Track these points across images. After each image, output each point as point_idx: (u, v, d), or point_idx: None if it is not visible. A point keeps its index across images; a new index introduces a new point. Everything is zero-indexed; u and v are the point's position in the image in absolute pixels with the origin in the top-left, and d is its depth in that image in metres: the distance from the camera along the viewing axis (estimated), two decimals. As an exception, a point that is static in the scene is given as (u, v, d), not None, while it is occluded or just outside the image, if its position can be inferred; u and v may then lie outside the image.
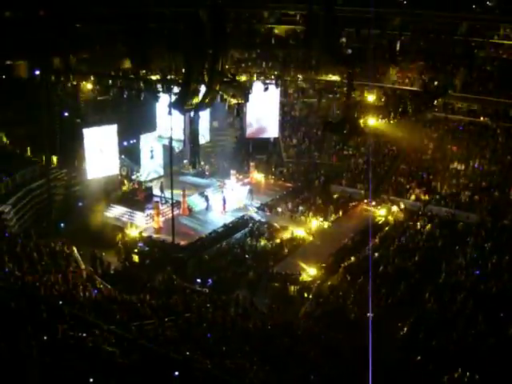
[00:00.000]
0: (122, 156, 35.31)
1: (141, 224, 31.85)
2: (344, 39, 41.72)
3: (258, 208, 34.70)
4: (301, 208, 34.24)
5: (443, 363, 18.50)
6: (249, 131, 38.22)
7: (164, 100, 29.42)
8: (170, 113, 27.68)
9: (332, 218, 33.35)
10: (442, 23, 40.07)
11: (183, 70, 27.52)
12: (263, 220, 32.90)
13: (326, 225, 32.68)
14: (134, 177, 36.55)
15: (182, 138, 34.28)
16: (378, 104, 36.57)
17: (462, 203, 34.42)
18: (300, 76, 38.25)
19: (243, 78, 33.54)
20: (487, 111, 39.19)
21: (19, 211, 29.73)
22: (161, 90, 28.81)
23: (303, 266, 27.16)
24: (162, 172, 37.72)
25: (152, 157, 37.19)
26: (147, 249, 28.86)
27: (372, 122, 34.36)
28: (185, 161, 39.40)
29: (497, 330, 20.60)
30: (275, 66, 40.98)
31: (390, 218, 33.53)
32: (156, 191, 35.32)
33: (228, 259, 28.07)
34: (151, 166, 37.54)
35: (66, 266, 24.14)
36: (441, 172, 37.25)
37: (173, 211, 29.87)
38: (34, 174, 32.25)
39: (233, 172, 38.15)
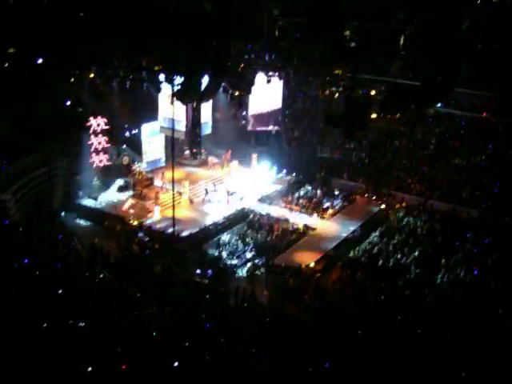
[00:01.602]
0: (124, 146, 35.29)
1: (141, 214, 31.84)
2: (348, 32, 41.53)
3: (259, 200, 34.68)
4: (301, 201, 34.26)
5: (441, 360, 18.54)
6: (251, 123, 38.08)
7: (166, 90, 29.34)
8: (172, 103, 27.61)
9: (333, 212, 33.37)
10: (446, 18, 39.91)
11: (186, 61, 27.41)
12: (263, 212, 32.92)
13: (326, 218, 32.72)
14: (135, 166, 36.51)
15: (184, 128, 34.22)
16: (381, 98, 36.47)
17: (463, 199, 34.43)
18: (303, 68, 38.11)
19: (246, 69, 33.45)
20: (490, 107, 39.11)
21: (20, 199, 29.74)
22: (163, 80, 28.72)
23: (303, 258, 27.21)
24: (163, 162, 37.71)
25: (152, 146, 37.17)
26: (147, 239, 28.88)
27: (374, 116, 34.32)
28: (186, 151, 39.38)
29: (496, 326, 20.68)
30: (278, 58, 40.78)
31: (391, 212, 33.55)
32: (157, 181, 35.32)
33: (228, 251, 28.16)
34: (153, 156, 37.51)
35: (66, 254, 24.20)
36: (442, 167, 37.20)
37: (174, 202, 29.82)
38: (35, 162, 32.22)
39: (234, 163, 38.10)
